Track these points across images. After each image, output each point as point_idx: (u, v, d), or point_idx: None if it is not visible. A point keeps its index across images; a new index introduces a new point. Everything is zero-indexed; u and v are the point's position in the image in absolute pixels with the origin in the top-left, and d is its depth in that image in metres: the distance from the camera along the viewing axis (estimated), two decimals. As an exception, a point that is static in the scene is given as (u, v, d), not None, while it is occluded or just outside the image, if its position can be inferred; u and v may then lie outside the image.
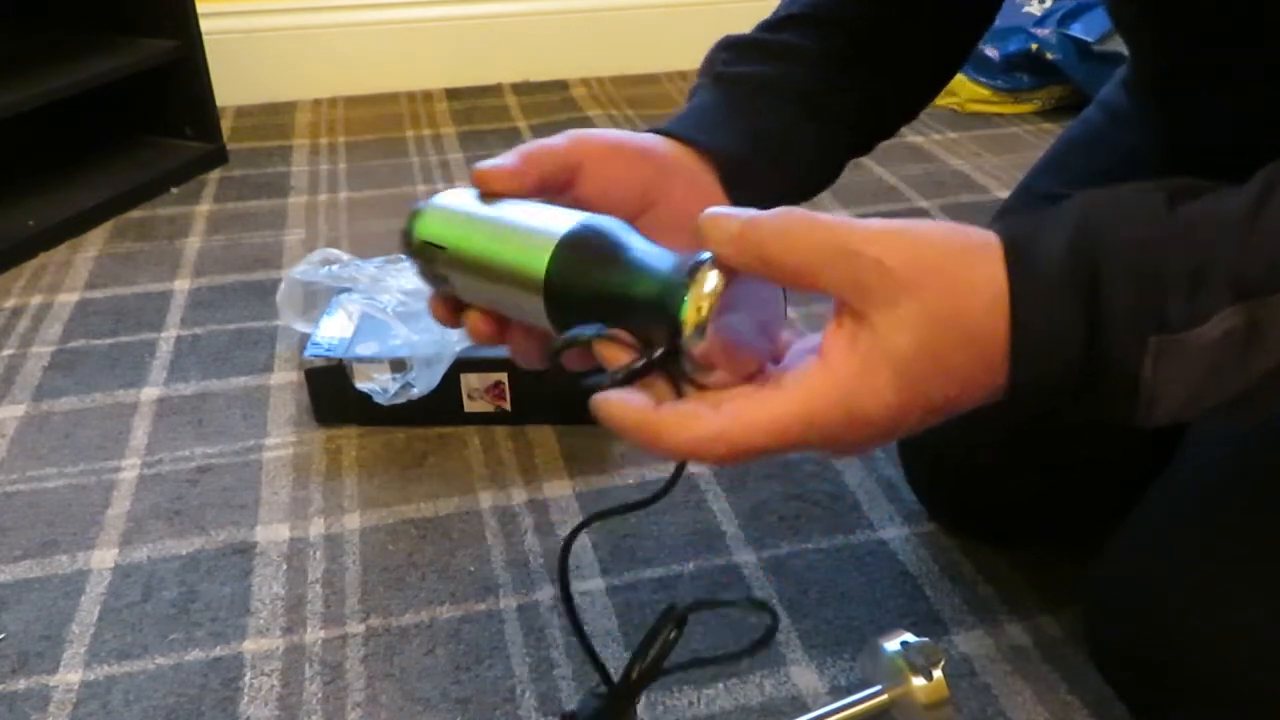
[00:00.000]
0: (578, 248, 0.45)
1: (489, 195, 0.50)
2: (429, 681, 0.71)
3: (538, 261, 0.45)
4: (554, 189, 0.51)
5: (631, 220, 0.48)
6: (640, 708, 0.68)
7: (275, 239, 1.37)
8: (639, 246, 0.45)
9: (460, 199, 0.51)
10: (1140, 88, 0.75)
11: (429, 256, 0.50)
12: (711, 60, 0.62)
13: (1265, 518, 0.56)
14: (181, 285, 1.25)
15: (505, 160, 0.50)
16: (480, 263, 0.48)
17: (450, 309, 0.52)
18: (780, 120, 0.60)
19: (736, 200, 0.54)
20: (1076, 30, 1.72)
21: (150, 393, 1.04)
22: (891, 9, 0.63)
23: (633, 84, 1.98)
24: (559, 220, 0.47)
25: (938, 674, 0.61)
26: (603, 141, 0.52)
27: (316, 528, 0.85)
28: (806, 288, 0.40)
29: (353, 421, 0.98)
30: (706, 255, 0.41)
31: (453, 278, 0.50)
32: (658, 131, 0.56)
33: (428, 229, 0.51)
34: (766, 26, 0.64)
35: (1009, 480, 0.76)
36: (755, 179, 0.57)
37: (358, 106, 1.88)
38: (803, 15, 0.63)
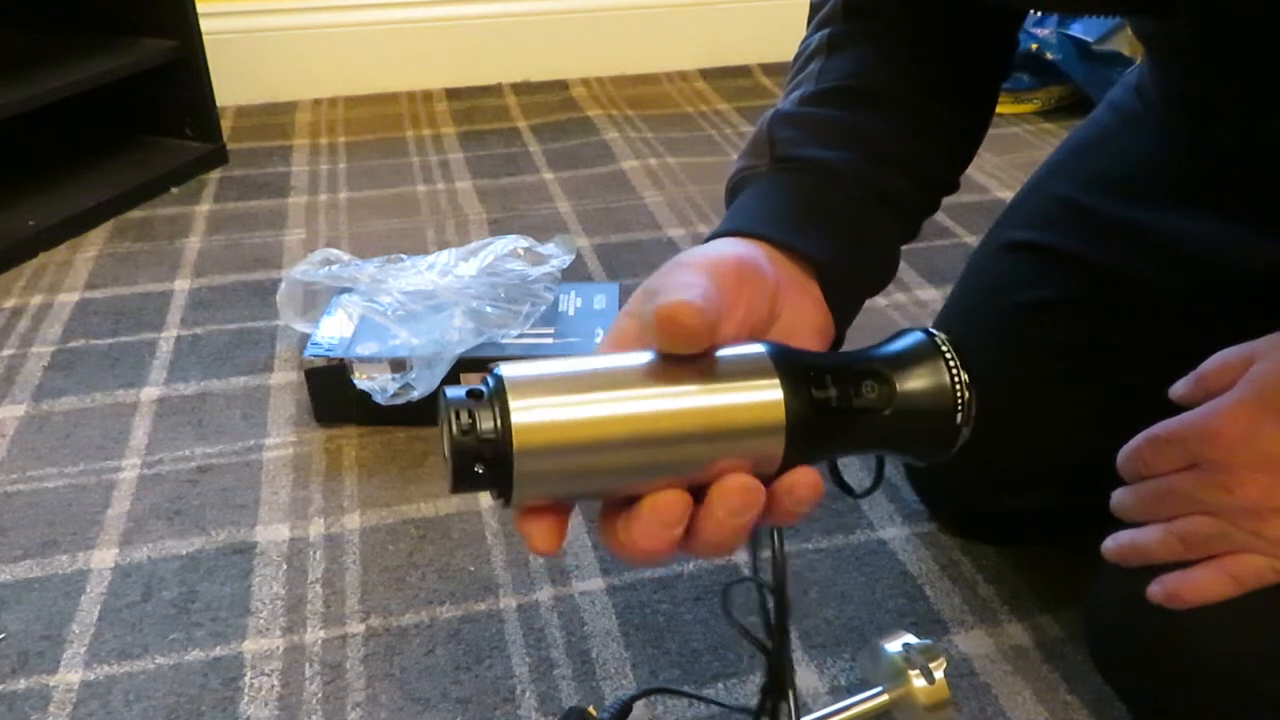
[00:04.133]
0: (797, 373, 0.40)
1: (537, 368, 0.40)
2: (429, 681, 0.71)
3: (764, 400, 0.39)
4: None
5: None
6: (640, 707, 0.68)
7: (275, 239, 1.37)
8: (819, 353, 0.43)
9: (522, 376, 0.39)
10: (1159, 97, 0.75)
11: (558, 455, 0.38)
12: (770, 139, 0.57)
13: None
14: (181, 285, 1.25)
15: (693, 290, 0.40)
16: (660, 429, 0.39)
17: (560, 524, 0.40)
18: (868, 219, 0.56)
19: (833, 303, 0.51)
20: (1076, 30, 1.72)
21: (150, 393, 1.04)
22: (920, 69, 0.60)
23: (633, 84, 1.98)
24: (726, 350, 0.41)
25: (939, 675, 0.61)
26: (728, 267, 0.45)
27: (316, 528, 0.85)
28: None
29: (353, 421, 0.98)
30: (916, 335, 0.43)
31: (596, 466, 0.39)
32: (740, 232, 0.51)
33: (538, 432, 0.37)
34: (812, 99, 0.59)
35: (1012, 484, 0.76)
36: (850, 282, 0.54)
37: (358, 106, 1.88)
38: (846, 89, 0.59)
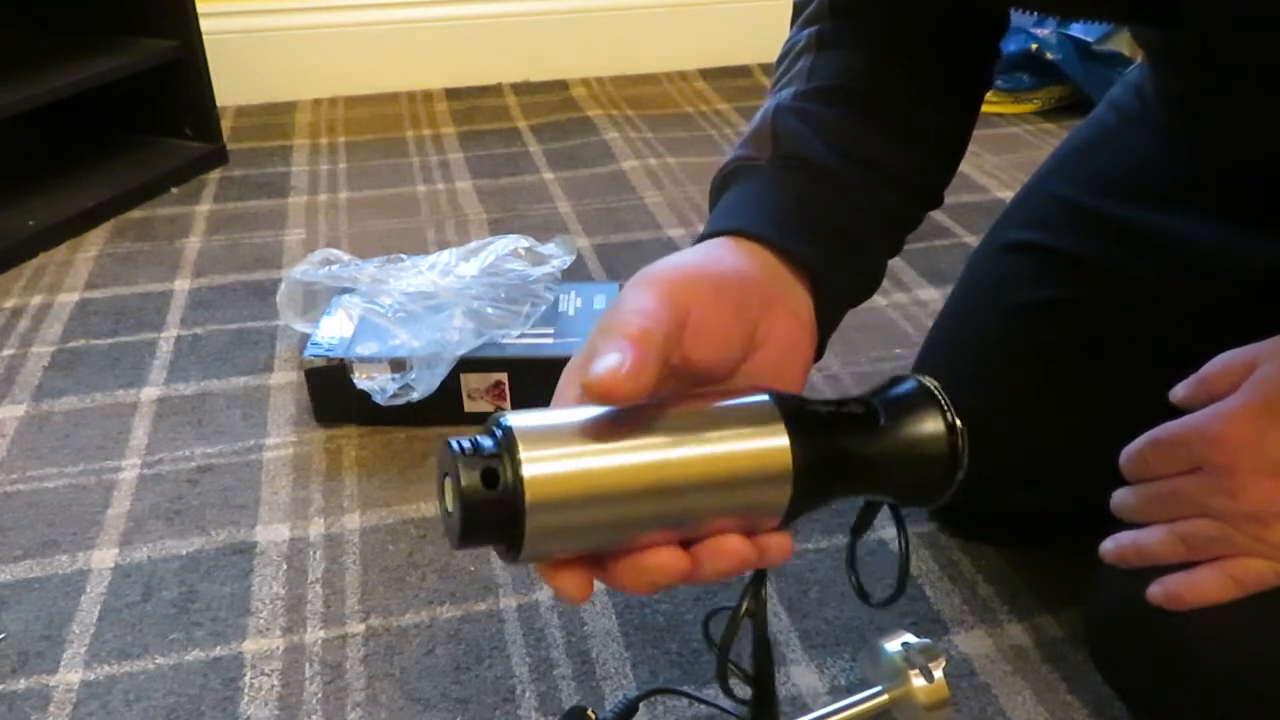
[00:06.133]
0: (802, 420, 0.40)
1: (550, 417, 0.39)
2: (429, 681, 0.71)
3: (771, 448, 0.39)
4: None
5: (736, 367, 0.45)
6: (640, 707, 0.68)
7: (275, 239, 1.37)
8: (820, 400, 0.43)
9: (531, 426, 0.38)
10: (1158, 98, 0.75)
11: (569, 512, 0.37)
12: (774, 133, 0.56)
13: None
14: (181, 285, 1.25)
15: (621, 359, 0.38)
16: (671, 478, 0.38)
17: (588, 573, 0.40)
18: (868, 232, 0.56)
19: (822, 313, 0.51)
20: (1076, 30, 1.72)
21: (150, 393, 1.04)
22: (909, 75, 0.60)
23: (633, 84, 1.98)
24: (730, 400, 0.40)
25: (939, 674, 0.61)
26: (706, 285, 0.45)
27: (316, 528, 0.85)
28: None
29: (353, 421, 0.98)
30: (911, 383, 0.43)
31: (605, 519, 0.38)
32: (739, 232, 0.50)
33: (550, 483, 0.36)
34: (810, 96, 0.58)
35: (1012, 484, 0.76)
36: (843, 294, 0.54)
37: (358, 106, 1.88)
38: (842, 88, 0.58)
